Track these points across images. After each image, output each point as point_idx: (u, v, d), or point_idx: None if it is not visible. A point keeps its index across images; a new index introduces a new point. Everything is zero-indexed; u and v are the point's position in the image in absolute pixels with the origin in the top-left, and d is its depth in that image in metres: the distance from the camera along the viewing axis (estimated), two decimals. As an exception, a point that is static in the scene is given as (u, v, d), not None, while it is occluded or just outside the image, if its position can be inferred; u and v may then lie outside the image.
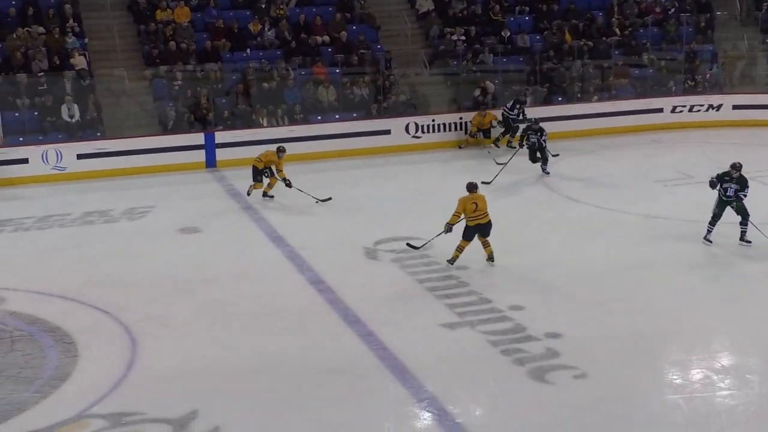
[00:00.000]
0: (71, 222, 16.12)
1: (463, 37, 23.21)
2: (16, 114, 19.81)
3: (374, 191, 17.77)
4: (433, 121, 21.43)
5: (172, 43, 21.26)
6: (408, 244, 13.76)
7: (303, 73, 21.61)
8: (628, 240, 14.24)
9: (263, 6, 22.86)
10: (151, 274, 13.26)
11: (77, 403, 9.37)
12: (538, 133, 18.18)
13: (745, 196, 13.57)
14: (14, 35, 20.70)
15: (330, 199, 16.56)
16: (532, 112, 20.73)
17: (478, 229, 12.94)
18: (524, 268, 13.09)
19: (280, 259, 13.82)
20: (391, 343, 10.64)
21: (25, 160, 18.86)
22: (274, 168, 16.74)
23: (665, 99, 23.01)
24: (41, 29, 20.98)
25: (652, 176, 18.08)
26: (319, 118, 21.29)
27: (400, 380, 9.80)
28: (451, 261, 13.05)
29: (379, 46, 22.94)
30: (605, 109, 22.55)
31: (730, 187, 13.56)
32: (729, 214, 13.70)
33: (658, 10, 25.13)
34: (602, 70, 23.56)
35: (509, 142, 20.77)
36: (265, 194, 17.02)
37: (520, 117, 20.84)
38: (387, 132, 21.11)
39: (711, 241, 13.78)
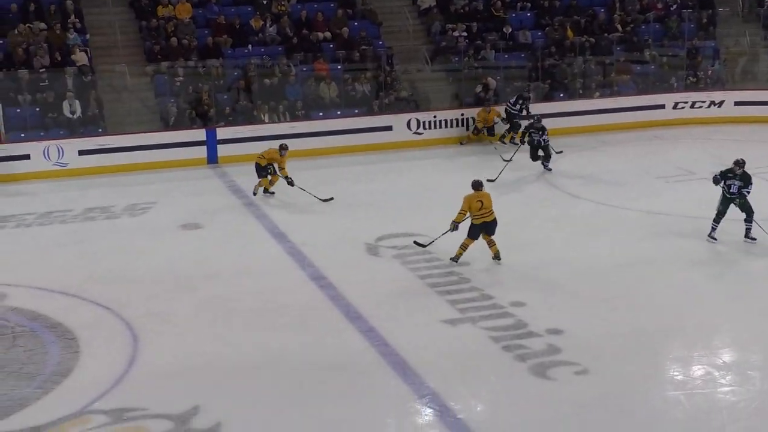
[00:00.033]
0: (73, 218, 16.12)
1: (465, 34, 23.19)
2: (18, 110, 19.80)
3: (375, 187, 17.75)
4: (435, 117, 21.39)
5: (174, 39, 21.25)
6: (415, 242, 13.75)
7: (304, 69, 21.59)
8: (630, 236, 14.22)
9: (265, 2, 22.83)
10: (152, 270, 13.25)
11: (79, 399, 9.38)
12: (540, 132, 18.17)
13: (749, 192, 13.53)
14: (16, 31, 20.71)
15: (332, 199, 16.52)
16: (534, 109, 20.70)
17: (484, 227, 12.91)
18: (526, 266, 13.07)
19: (282, 256, 13.82)
20: (393, 339, 10.64)
21: (27, 156, 18.83)
22: (276, 165, 16.73)
23: (667, 95, 22.99)
24: (43, 25, 20.99)
25: (654, 173, 18.05)
26: (321, 114, 21.26)
27: (402, 376, 9.79)
28: (455, 258, 13.03)
29: (380, 43, 22.93)
30: (607, 106, 22.51)
31: (734, 184, 13.52)
32: (733, 211, 13.67)
33: (659, 6, 25.12)
34: (604, 67, 23.53)
35: (513, 138, 20.75)
36: (266, 191, 17.02)
37: (523, 113, 20.81)
38: (389, 128, 21.05)
39: (716, 239, 13.75)
